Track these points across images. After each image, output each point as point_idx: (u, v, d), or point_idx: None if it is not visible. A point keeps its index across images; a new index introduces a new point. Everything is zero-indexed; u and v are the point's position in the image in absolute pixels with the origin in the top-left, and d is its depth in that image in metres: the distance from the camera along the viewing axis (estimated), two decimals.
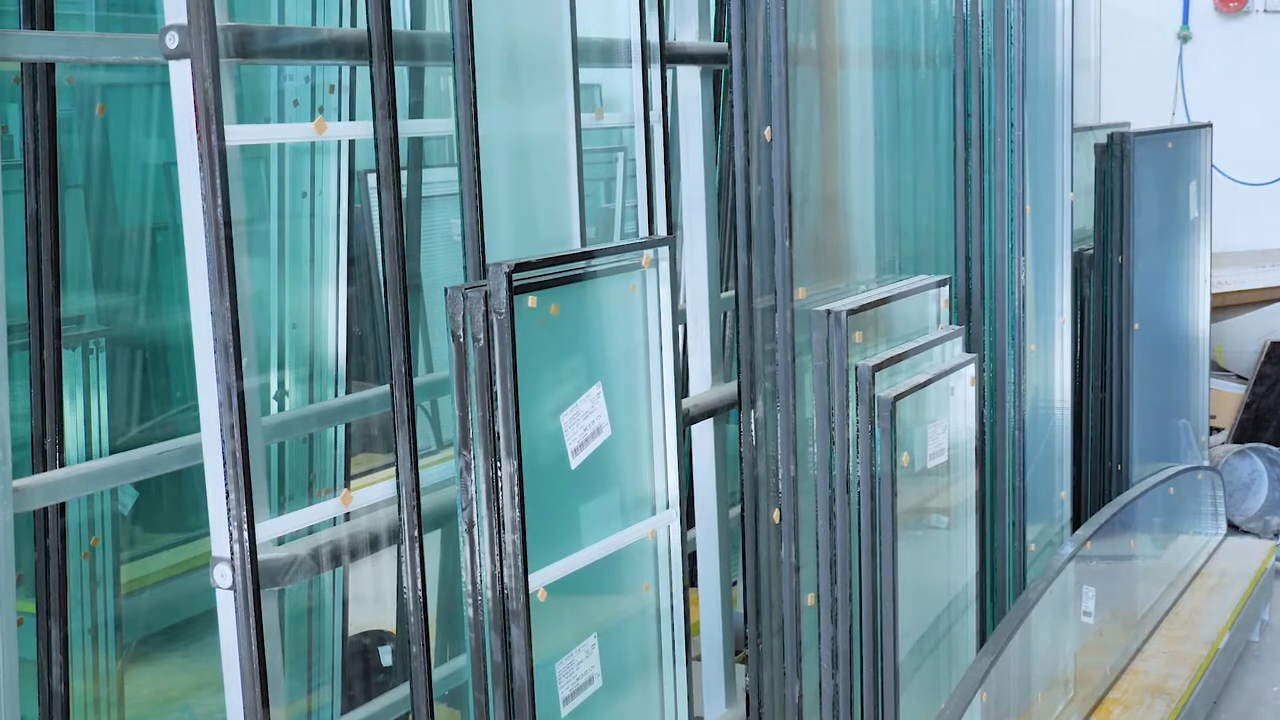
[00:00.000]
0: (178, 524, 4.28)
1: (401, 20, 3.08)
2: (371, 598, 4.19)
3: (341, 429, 3.34)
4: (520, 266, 2.17)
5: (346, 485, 3.38)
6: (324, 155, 3.21)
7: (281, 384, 3.39)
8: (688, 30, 3.17)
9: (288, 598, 3.41)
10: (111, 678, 3.25)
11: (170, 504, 4.25)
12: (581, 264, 2.32)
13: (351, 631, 3.76)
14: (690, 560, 4.03)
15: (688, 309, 3.23)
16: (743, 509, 2.89)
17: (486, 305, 2.16)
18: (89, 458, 3.12)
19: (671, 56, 3.07)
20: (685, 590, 2.67)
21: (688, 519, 3.95)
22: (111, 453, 3.15)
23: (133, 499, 3.94)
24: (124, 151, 3.66)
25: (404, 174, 3.58)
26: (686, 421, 3.08)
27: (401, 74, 3.31)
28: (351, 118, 3.18)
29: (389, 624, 3.95)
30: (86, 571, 3.14)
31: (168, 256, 3.76)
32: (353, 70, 3.12)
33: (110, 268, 3.58)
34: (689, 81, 3.17)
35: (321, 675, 3.32)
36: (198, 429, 2.03)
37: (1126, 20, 6.76)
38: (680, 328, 3.61)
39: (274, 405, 3.38)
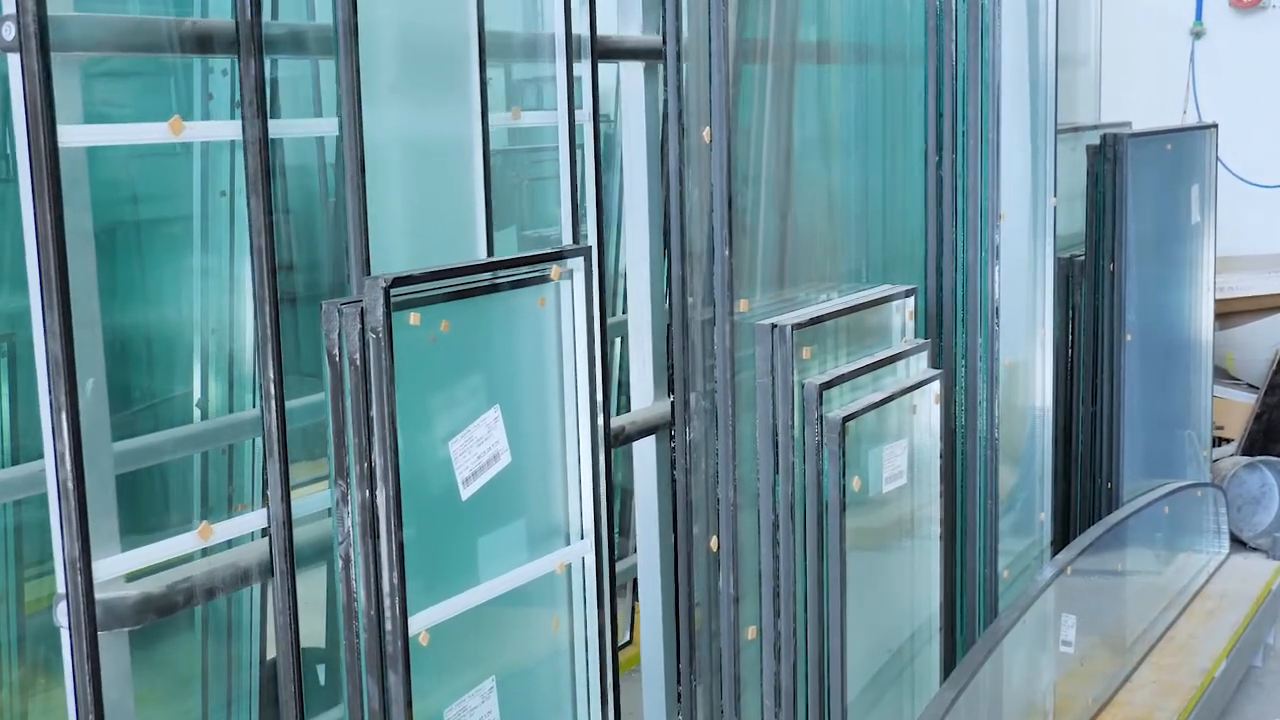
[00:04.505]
0: (125, 526, 4.11)
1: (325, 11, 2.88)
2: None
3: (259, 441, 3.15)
4: (399, 280, 1.98)
5: (264, 499, 3.19)
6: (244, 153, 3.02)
7: (205, 392, 3.21)
8: (631, 23, 2.97)
9: (211, 614, 3.24)
10: (15, 693, 3.09)
11: (157, 504, 4.08)
12: (473, 277, 2.12)
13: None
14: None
15: (629, 320, 3.03)
16: (675, 535, 2.70)
17: (362, 323, 1.98)
18: None
19: (613, 51, 2.88)
20: (606, 624, 2.48)
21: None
22: (14, 463, 2.98)
23: None
24: None
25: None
26: (623, 440, 2.89)
27: (328, 69, 3.12)
28: (273, 114, 2.98)
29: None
30: None
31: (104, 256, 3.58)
32: (273, 64, 2.93)
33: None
34: (632, 78, 2.97)
35: (240, 699, 3.14)
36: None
37: (1137, 15, 6.52)
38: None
39: (196, 414, 3.21)
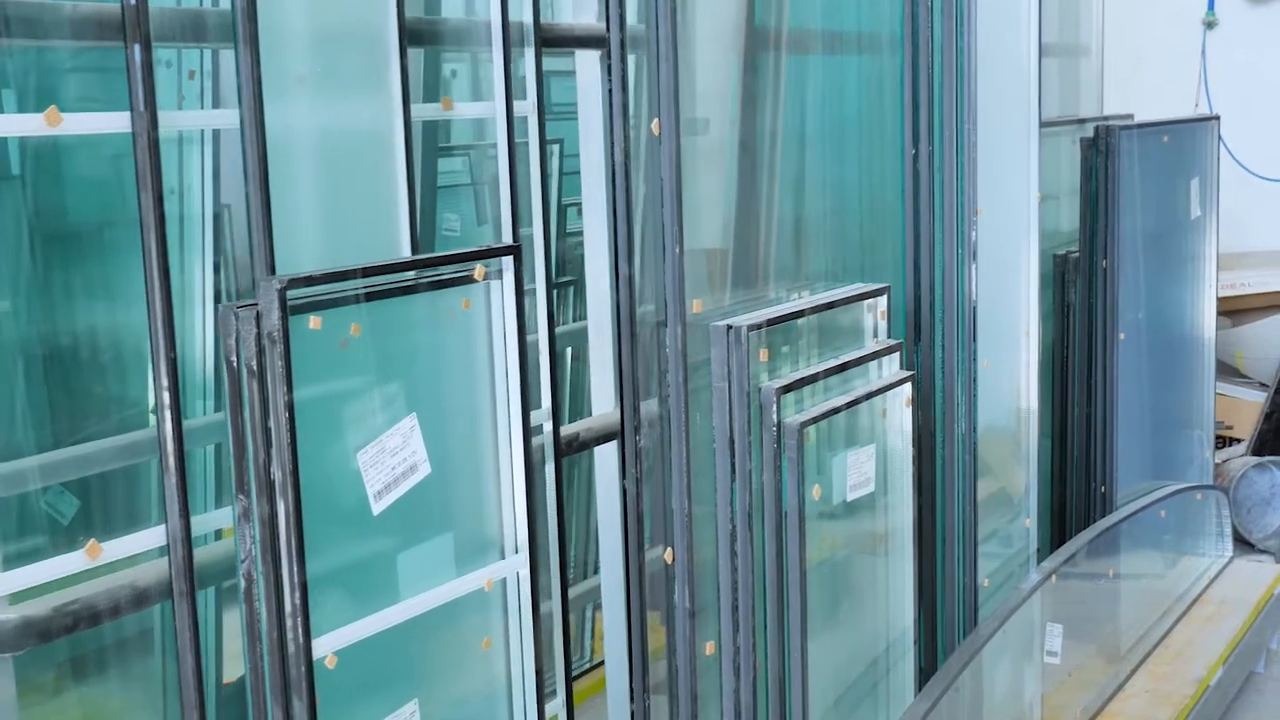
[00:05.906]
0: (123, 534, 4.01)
1: None
2: None
3: (211, 449, 3.04)
4: (296, 282, 1.86)
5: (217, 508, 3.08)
6: (190, 148, 2.92)
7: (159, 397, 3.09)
8: (587, 10, 2.84)
9: (168, 634, 3.13)
10: None
11: (119, 510, 3.98)
12: (384, 278, 2.00)
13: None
14: None
15: (589, 322, 2.91)
16: (625, 548, 2.58)
17: (258, 326, 1.86)
18: None
19: (563, 39, 2.75)
20: (565, 643, 2.36)
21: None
22: None
23: (73, 508, 3.67)
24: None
25: None
26: (577, 447, 2.76)
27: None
28: (215, 105, 2.88)
29: None
30: None
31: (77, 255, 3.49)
32: (215, 55, 2.83)
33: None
34: (587, 68, 2.84)
35: None
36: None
37: (1148, 6, 6.36)
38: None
39: (152, 420, 3.10)
